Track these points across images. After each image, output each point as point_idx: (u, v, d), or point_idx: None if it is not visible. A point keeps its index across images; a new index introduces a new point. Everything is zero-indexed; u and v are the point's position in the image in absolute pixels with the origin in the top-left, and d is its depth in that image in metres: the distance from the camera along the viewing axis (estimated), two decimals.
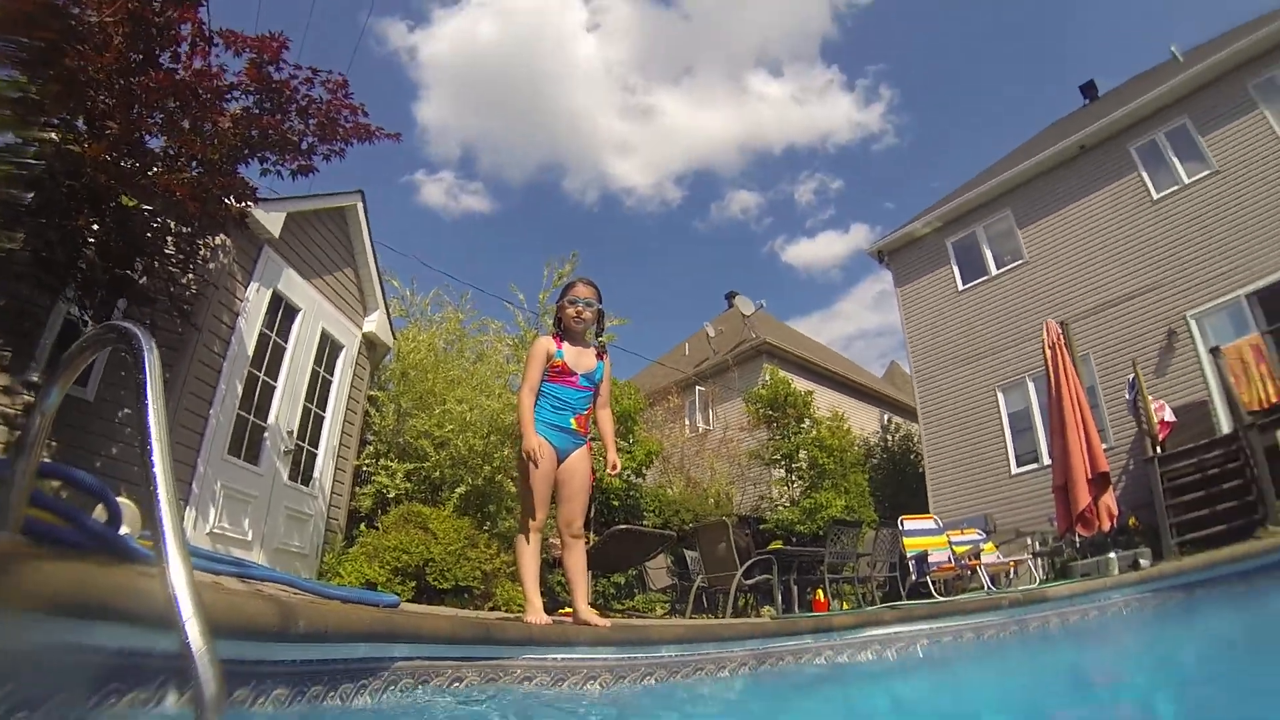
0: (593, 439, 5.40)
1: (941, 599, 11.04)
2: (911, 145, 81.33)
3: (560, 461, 4.99)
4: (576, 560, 5.04)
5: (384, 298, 11.90)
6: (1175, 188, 16.98)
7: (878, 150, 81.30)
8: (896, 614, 6.33)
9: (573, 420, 5.03)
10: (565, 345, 5.13)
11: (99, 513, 3.28)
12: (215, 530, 8.23)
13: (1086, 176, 18.61)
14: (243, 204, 7.25)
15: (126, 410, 7.31)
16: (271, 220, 8.97)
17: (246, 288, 8.90)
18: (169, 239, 7.00)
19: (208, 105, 6.57)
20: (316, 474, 10.32)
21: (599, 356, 5.25)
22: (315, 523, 10.18)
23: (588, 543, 6.19)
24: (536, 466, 4.78)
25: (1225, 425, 14.09)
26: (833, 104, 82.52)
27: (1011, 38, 66.15)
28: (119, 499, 3.29)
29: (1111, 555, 11.13)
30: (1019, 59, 69.82)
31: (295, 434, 9.85)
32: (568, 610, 5.63)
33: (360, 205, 11.24)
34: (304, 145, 7.17)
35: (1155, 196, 17.25)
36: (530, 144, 79.94)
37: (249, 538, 8.76)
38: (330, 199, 10.69)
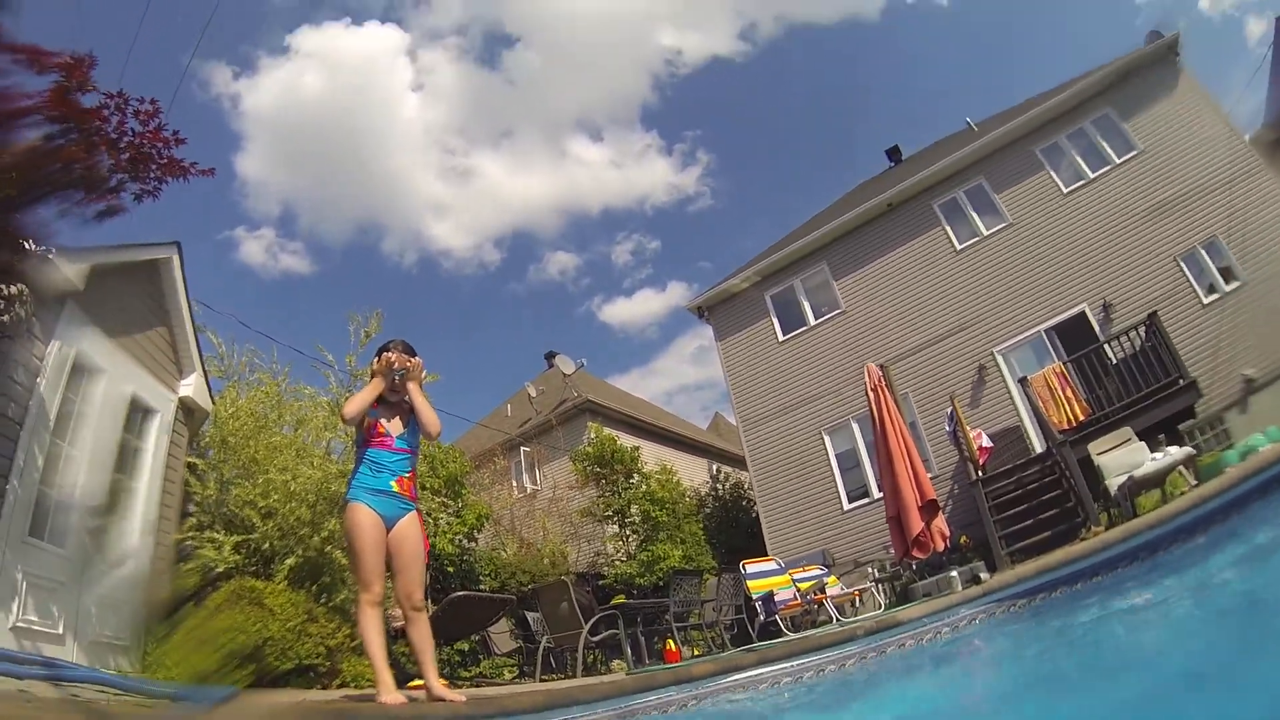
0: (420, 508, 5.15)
1: (794, 635, 11.12)
2: (727, 207, 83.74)
3: (389, 530, 4.75)
4: (422, 633, 4.81)
5: (201, 359, 11.01)
6: (975, 239, 19.03)
7: (694, 212, 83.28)
8: (754, 657, 6.32)
9: (393, 483, 4.82)
10: (380, 406, 4.99)
11: None
12: (19, 624, 7.08)
13: (895, 231, 20.22)
14: (41, 248, 6.62)
15: None
16: (74, 272, 7.91)
17: (47, 345, 7.79)
18: None
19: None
20: (132, 552, 9.20)
21: (409, 411, 5.10)
22: (134, 608, 9.07)
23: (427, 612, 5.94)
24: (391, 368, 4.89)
25: (1038, 445, 15.88)
26: (650, 167, 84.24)
27: (823, 106, 69.74)
28: None
29: (953, 573, 11.61)
30: (829, 126, 73.37)
31: (105, 508, 8.73)
32: (418, 683, 5.32)
33: (176, 259, 10.34)
34: (113, 183, 6.56)
35: (958, 247, 19.19)
36: (350, 203, 78.23)
37: (59, 630, 7.61)
38: (142, 250, 9.77)
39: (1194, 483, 10.70)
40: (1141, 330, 14.62)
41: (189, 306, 10.68)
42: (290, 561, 9.94)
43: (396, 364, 4.96)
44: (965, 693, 4.54)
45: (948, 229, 19.42)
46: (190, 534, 10.15)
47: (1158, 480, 11.22)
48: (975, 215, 19.13)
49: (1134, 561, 6.88)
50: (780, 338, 21.46)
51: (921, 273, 19.41)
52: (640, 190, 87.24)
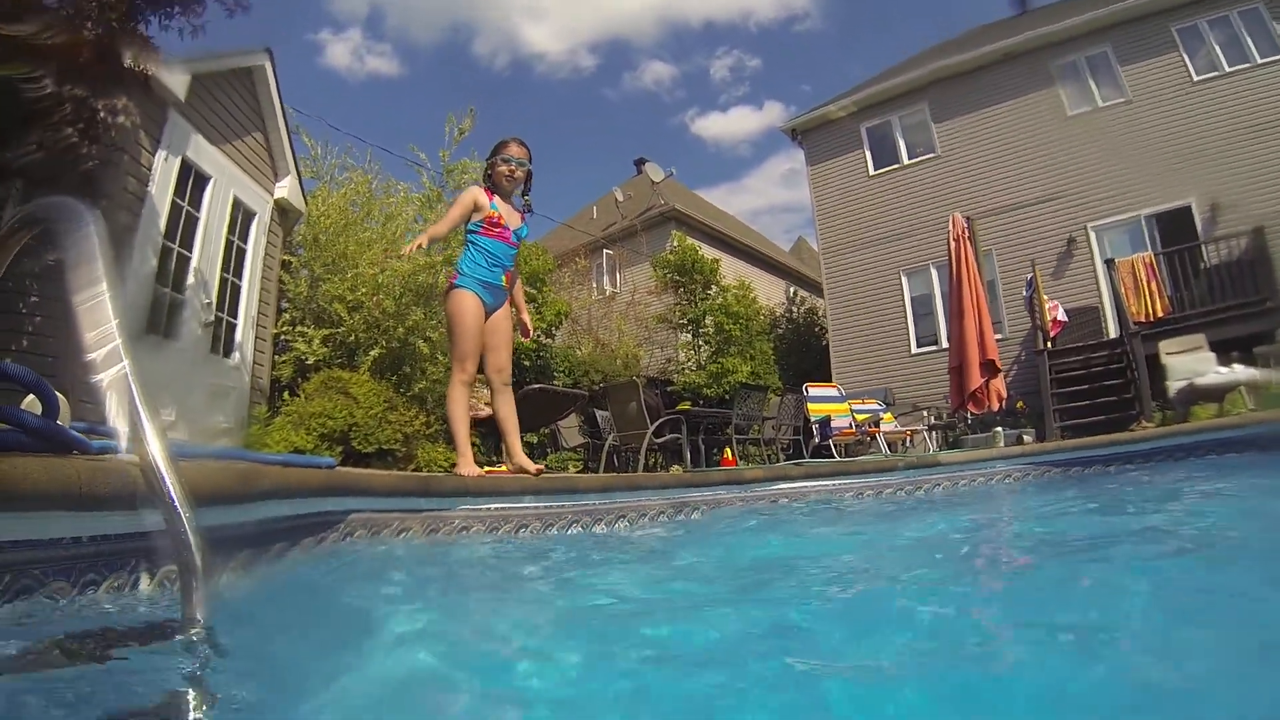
0: None
1: (844, 459, 11.60)
2: (836, 30, 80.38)
3: (487, 316, 5.14)
4: (507, 407, 5.25)
5: (295, 162, 11.49)
6: (1089, 109, 17.92)
7: (800, 31, 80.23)
8: (802, 470, 6.74)
9: (503, 277, 5.19)
10: (497, 199, 5.23)
11: (29, 404, 3.28)
12: None
13: (1006, 84, 19.14)
14: (145, 63, 6.95)
15: (34, 298, 6.94)
16: (176, 82, 8.36)
17: (154, 155, 8.33)
18: (65, 108, 6.44)
19: None
20: (237, 345, 10.10)
21: (523, 217, 5.40)
22: (239, 395, 10.02)
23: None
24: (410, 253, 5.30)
25: (1113, 330, 15.52)
26: None
27: None
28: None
29: (999, 430, 11.91)
30: None
31: (214, 305, 9.51)
32: (496, 468, 5.85)
33: (269, 65, 10.66)
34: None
35: (1069, 113, 18.14)
36: (440, 3, 76.66)
37: (173, 418, 8.37)
38: (237, 58, 10.10)
39: (1252, 406, 10.67)
40: (1243, 241, 14.23)
41: (282, 111, 11.09)
42: (374, 353, 10.59)
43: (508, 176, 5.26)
44: (978, 536, 4.93)
45: (1061, 92, 18.37)
46: (284, 329, 10.88)
47: (1218, 394, 11.20)
48: (1094, 84, 18.03)
49: (1167, 458, 7.18)
50: (871, 171, 21.06)
51: (1026, 132, 18.52)
52: (745, 4, 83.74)
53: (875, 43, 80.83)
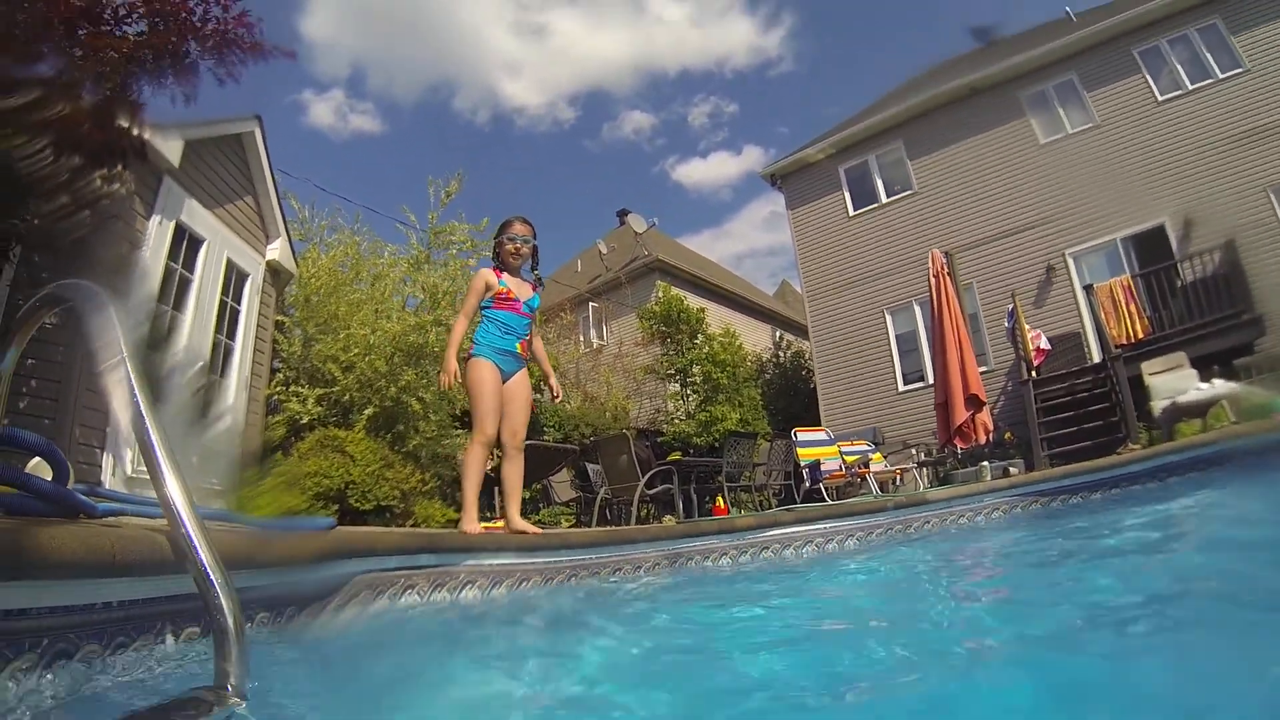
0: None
1: (833, 503, 11.68)
2: (809, 73, 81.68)
3: (504, 381, 5.36)
4: (515, 471, 5.44)
5: (285, 224, 11.71)
6: (1060, 135, 18.35)
7: (775, 76, 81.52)
8: (793, 515, 6.84)
9: (518, 345, 5.42)
10: (505, 276, 5.47)
11: (34, 467, 3.34)
12: (133, 475, 8.13)
13: (977, 117, 19.55)
14: (141, 132, 7.15)
15: (30, 360, 7.08)
16: (170, 149, 8.62)
17: (148, 220, 8.59)
18: (62, 176, 6.61)
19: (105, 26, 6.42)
20: (229, 407, 10.19)
21: (534, 289, 5.63)
22: (230, 457, 10.04)
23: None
24: (450, 386, 5.29)
25: (1096, 355, 15.73)
26: (732, 27, 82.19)
27: None
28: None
29: (985, 464, 12.06)
30: None
31: (207, 367, 9.67)
32: (493, 524, 5.98)
33: (258, 130, 10.94)
34: (200, 68, 7.08)
35: (1041, 141, 18.57)
36: (420, 62, 77.79)
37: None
38: (228, 125, 10.40)
39: (1233, 419, 10.76)
40: (1216, 256, 14.56)
41: (272, 175, 11.35)
42: (369, 411, 10.72)
43: (514, 254, 5.50)
44: (968, 569, 5.07)
45: (1032, 121, 18.81)
46: (278, 389, 10.99)
47: (1200, 410, 11.36)
48: (1062, 111, 18.47)
49: (1151, 480, 7.34)
50: (851, 212, 21.36)
51: (1000, 163, 18.93)
52: (720, 51, 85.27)
53: (846, 82, 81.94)
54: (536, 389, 8.12)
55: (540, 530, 5.31)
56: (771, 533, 6.40)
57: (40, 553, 1.84)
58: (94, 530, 2.11)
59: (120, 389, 1.88)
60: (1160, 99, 17.17)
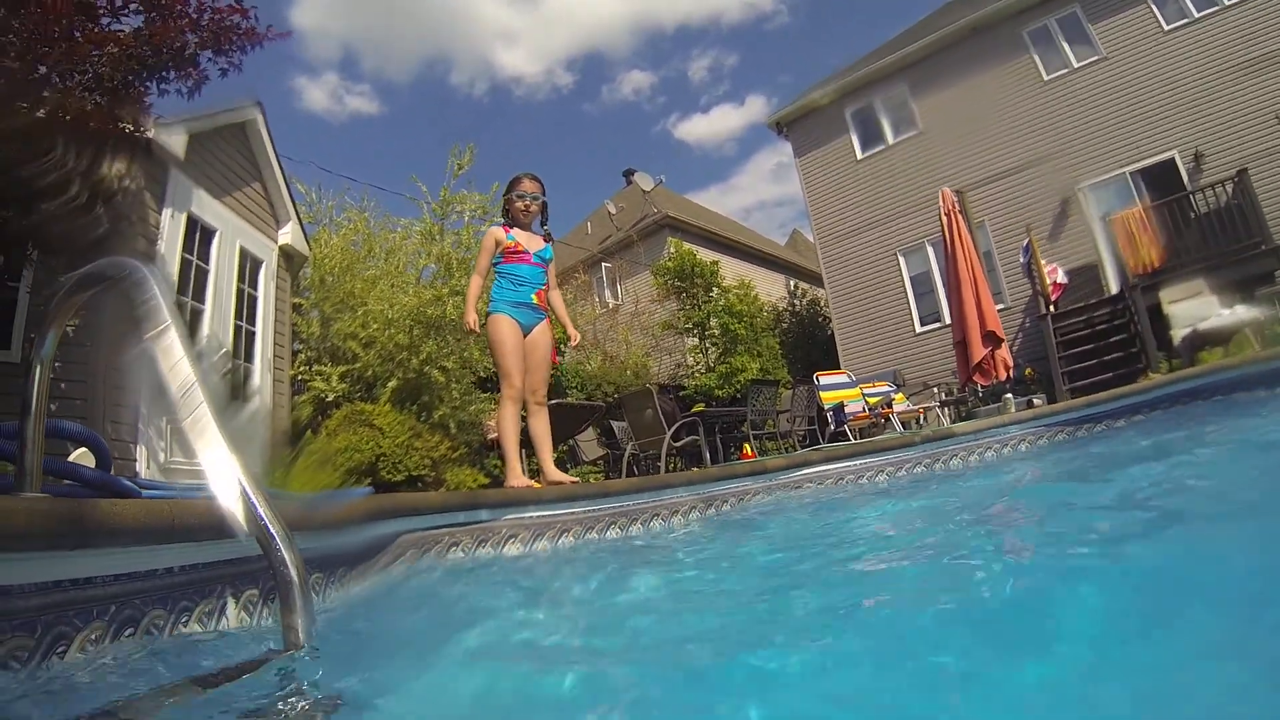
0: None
1: (861, 440, 11.73)
2: (806, 21, 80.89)
3: (525, 335, 5.38)
4: (541, 424, 5.45)
5: (294, 208, 11.71)
6: (1065, 70, 18.12)
7: (771, 28, 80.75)
8: (822, 454, 6.90)
9: (533, 296, 5.43)
10: (515, 231, 5.48)
11: (79, 456, 3.38)
12: (168, 465, 8.24)
13: (979, 55, 19.29)
14: (146, 128, 7.20)
15: (64, 363, 7.18)
16: (175, 143, 8.69)
17: (160, 214, 8.64)
18: (71, 176, 6.71)
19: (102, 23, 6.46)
20: (255, 390, 10.28)
21: (545, 240, 5.62)
22: (261, 439, 10.12)
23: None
24: (473, 329, 5.40)
25: (1113, 286, 15.63)
26: None
27: None
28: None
29: (1009, 396, 12.04)
30: None
31: (230, 353, 9.73)
32: (533, 483, 6.03)
33: (260, 117, 10.92)
34: (200, 61, 7.05)
35: (1046, 77, 18.36)
36: (412, 39, 77.34)
37: (201, 467, 8.49)
38: (230, 114, 10.36)
39: (1258, 347, 10.75)
40: (1229, 186, 14.42)
41: (277, 160, 11.33)
42: (392, 384, 10.79)
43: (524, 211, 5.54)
44: (996, 500, 5.11)
45: (1036, 57, 18.55)
46: (301, 369, 11.05)
47: (1223, 337, 11.43)
48: (1066, 45, 18.16)
49: (1175, 404, 7.35)
50: (859, 155, 21.23)
51: (1005, 100, 18.72)
52: (715, 5, 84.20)
53: (845, 28, 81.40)
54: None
55: (576, 480, 5.35)
56: (803, 472, 6.46)
57: (102, 521, 1.91)
58: (152, 501, 2.17)
59: (169, 355, 1.93)
60: (1166, 28, 16.84)
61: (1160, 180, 16.30)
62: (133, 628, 1.99)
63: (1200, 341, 11.55)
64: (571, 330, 5.85)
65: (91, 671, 1.78)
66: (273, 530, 1.72)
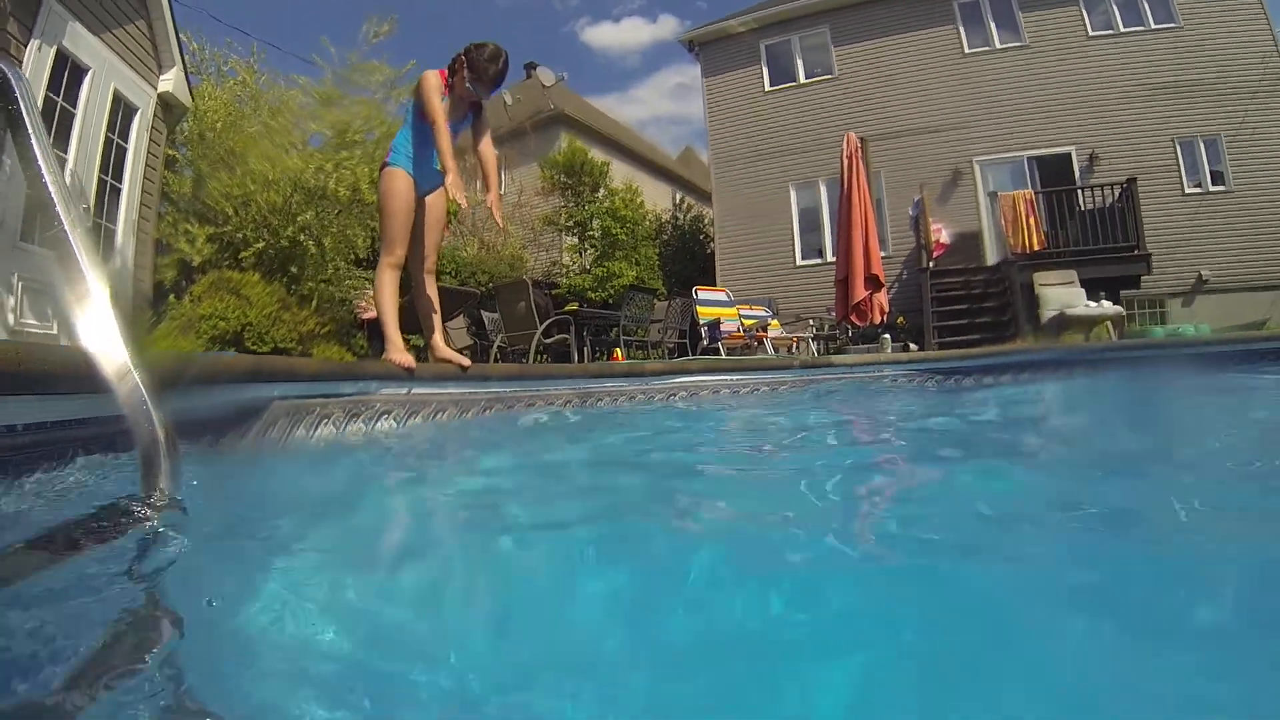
0: None
1: (743, 357, 11.92)
2: None
3: (420, 198, 4.97)
4: (430, 297, 5.11)
5: (180, 54, 10.68)
6: (985, 49, 18.75)
7: None
8: (702, 364, 6.96)
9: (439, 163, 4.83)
10: (449, 94, 4.89)
11: None
12: (16, 327, 7.53)
13: (909, 16, 19.54)
14: None
15: None
16: None
17: (25, 46, 7.54)
18: None
19: None
20: (117, 250, 9.43)
21: (470, 107, 5.08)
22: (122, 303, 9.49)
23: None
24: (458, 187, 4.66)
25: (992, 258, 16.73)
26: None
27: None
28: None
29: (886, 337, 12.48)
30: None
31: (92, 210, 8.76)
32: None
33: None
34: None
35: (966, 51, 18.90)
36: None
37: (55, 330, 7.87)
38: None
39: (1115, 337, 11.98)
40: (1116, 190, 15.33)
41: None
42: (259, 246, 10.25)
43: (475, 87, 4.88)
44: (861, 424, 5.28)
45: (961, 30, 19.01)
46: (166, 230, 10.37)
47: (1086, 324, 12.60)
48: (993, 25, 18.72)
49: (1041, 369, 7.77)
50: (767, 87, 21.23)
51: (924, 64, 19.18)
52: None
53: None
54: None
55: (469, 362, 5.05)
56: (679, 379, 6.48)
57: None
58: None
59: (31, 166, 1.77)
60: (1090, 34, 17.73)
61: (1054, 170, 17.31)
62: None
63: (1066, 323, 12.61)
64: (494, 194, 5.18)
65: None
66: (141, 385, 1.59)
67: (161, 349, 8.21)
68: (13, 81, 1.84)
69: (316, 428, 3.68)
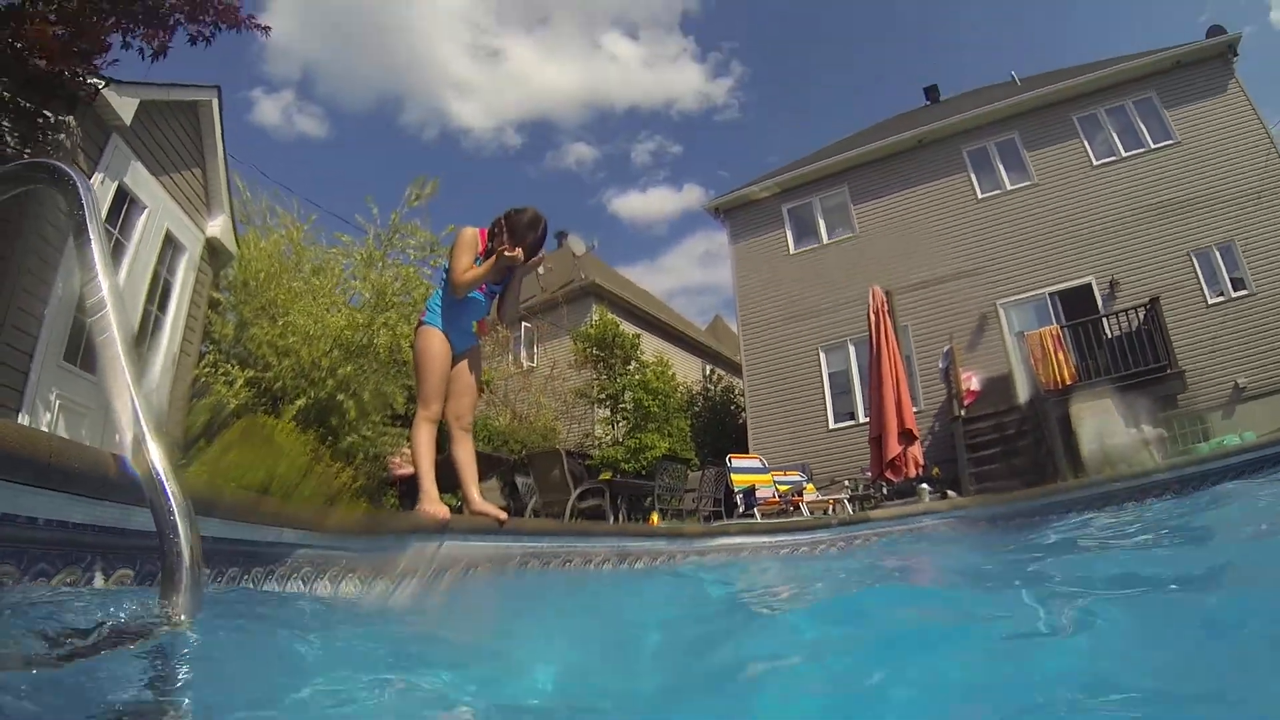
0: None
1: (779, 520, 11.66)
2: (754, 122, 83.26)
3: (455, 359, 4.99)
4: (466, 452, 5.09)
5: (230, 202, 11.16)
6: (998, 191, 19.29)
7: (720, 121, 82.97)
8: (741, 526, 6.76)
9: (475, 325, 5.05)
10: (484, 257, 4.95)
11: None
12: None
13: (921, 168, 20.32)
14: (98, 79, 6.89)
15: None
16: (124, 106, 8.09)
17: (90, 178, 7.80)
18: (6, 115, 6.38)
19: None
20: (155, 384, 9.51)
21: (507, 271, 5.11)
22: (158, 421, 9.50)
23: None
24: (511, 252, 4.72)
25: (1024, 396, 16.15)
26: (682, 72, 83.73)
27: (864, 32, 69.23)
28: None
29: (924, 486, 12.12)
30: (868, 55, 72.56)
31: (135, 338, 9.11)
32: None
33: (216, 102, 10.40)
34: (171, 21, 6.76)
35: (980, 196, 19.45)
36: (373, 73, 77.79)
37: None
38: (186, 91, 9.85)
39: (1159, 462, 11.23)
40: (1141, 313, 15.32)
41: (224, 149, 10.83)
42: (300, 402, 10.29)
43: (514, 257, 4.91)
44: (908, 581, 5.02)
45: (973, 176, 19.65)
46: (205, 370, 10.47)
47: (1127, 453, 12.00)
48: (1002, 167, 19.34)
49: (1086, 508, 7.48)
50: (792, 250, 21.75)
51: (940, 213, 19.69)
52: (669, 94, 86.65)
53: (792, 134, 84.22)
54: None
55: (505, 515, 4.87)
56: (721, 541, 6.28)
57: None
58: (29, 427, 1.91)
59: (88, 271, 1.76)
60: (1095, 163, 18.21)
61: (1076, 302, 17.28)
62: None
63: (1107, 455, 12.05)
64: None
65: None
66: (171, 495, 1.50)
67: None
68: (80, 189, 1.84)
69: (339, 583, 3.50)
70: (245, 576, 2.90)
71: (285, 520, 3.25)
